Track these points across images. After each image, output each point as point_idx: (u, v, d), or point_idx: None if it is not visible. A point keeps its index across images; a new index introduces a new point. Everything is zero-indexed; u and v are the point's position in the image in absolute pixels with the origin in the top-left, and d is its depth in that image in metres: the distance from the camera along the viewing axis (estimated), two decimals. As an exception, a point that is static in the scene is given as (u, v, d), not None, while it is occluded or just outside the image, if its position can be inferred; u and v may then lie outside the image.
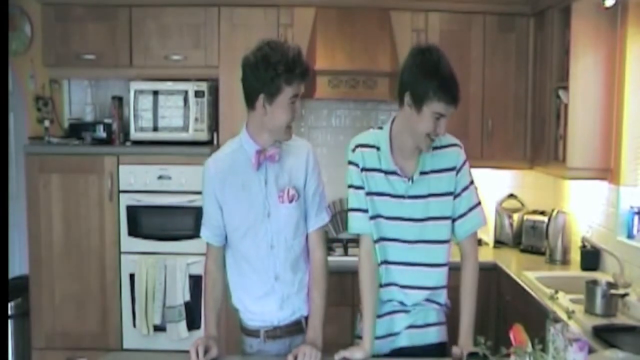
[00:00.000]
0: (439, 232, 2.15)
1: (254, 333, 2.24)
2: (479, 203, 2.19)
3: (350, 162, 2.18)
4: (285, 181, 2.16)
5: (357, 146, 2.18)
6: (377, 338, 2.18)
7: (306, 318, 2.23)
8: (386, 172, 2.13)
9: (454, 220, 2.17)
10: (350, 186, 2.18)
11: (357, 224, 2.18)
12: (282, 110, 2.05)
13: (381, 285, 2.18)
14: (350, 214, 2.19)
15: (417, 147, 2.08)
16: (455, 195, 2.15)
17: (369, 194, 2.14)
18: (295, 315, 2.23)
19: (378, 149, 2.14)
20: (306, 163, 2.19)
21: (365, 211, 2.15)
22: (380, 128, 2.18)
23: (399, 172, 2.12)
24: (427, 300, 2.19)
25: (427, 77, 1.97)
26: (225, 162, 2.17)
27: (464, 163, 2.16)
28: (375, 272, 2.17)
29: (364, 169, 2.15)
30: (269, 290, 2.19)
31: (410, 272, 2.16)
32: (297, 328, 2.23)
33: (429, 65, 1.99)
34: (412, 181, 2.11)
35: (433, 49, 2.05)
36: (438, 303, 2.22)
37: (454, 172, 2.14)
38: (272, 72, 1.98)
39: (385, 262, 2.17)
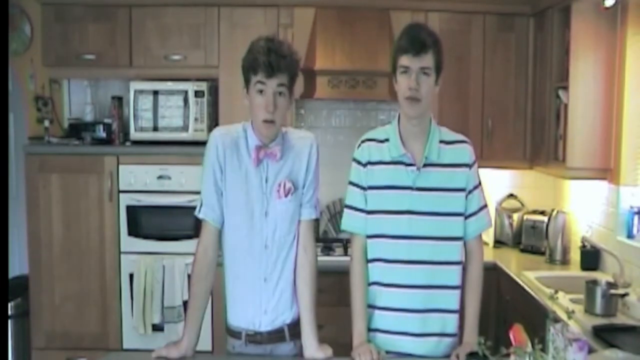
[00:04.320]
0: (452, 228, 2.11)
1: (236, 334, 2.17)
2: (486, 205, 2.19)
3: (353, 159, 2.17)
4: (284, 175, 2.12)
5: (363, 141, 2.17)
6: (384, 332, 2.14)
7: (289, 326, 2.16)
8: (394, 163, 2.10)
9: (465, 218, 2.14)
10: (350, 183, 2.17)
11: (350, 222, 2.17)
12: (252, 100, 2.04)
13: (383, 285, 2.12)
14: (346, 211, 2.19)
15: (406, 115, 2.10)
16: (467, 193, 2.13)
17: (374, 188, 2.11)
18: (277, 322, 2.14)
19: (387, 140, 2.13)
20: (308, 157, 2.15)
21: (360, 210, 2.14)
22: (390, 123, 2.19)
23: (409, 157, 2.09)
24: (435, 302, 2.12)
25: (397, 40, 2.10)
26: (232, 144, 2.11)
27: (475, 161, 2.16)
28: (365, 274, 2.14)
29: (368, 163, 2.13)
30: (256, 291, 2.12)
31: (418, 270, 2.09)
32: (279, 336, 2.15)
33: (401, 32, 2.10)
34: (419, 170, 2.09)
35: (414, 24, 2.20)
36: (449, 310, 2.14)
37: (467, 169, 2.13)
38: (244, 61, 2.04)
39: (391, 260, 2.10)
